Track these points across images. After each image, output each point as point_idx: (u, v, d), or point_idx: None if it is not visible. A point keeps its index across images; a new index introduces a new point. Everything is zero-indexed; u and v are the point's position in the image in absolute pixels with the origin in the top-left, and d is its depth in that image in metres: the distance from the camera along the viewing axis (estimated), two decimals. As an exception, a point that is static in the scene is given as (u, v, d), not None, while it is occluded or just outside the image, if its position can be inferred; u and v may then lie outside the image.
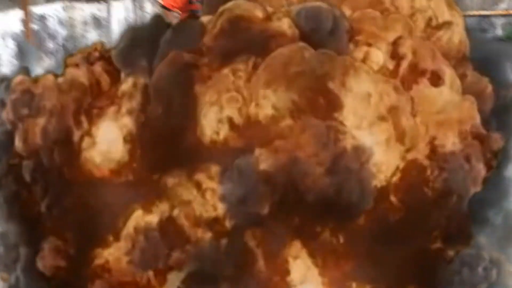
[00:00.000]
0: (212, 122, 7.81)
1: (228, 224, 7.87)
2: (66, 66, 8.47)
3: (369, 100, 7.76)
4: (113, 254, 8.24)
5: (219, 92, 7.77)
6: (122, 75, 8.27)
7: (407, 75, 8.08)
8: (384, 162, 7.88)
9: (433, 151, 8.11)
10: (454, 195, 8.10)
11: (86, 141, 8.23)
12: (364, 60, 8.06)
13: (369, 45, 8.15)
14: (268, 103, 7.71)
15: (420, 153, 8.05)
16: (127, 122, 8.11)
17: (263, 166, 7.59)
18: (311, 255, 8.07)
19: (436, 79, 8.12)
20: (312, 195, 7.60)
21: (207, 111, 7.81)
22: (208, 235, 7.92)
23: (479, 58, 8.67)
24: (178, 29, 8.17)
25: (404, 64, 8.07)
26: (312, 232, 7.99)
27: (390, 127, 7.81)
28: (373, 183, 7.78)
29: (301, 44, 7.87)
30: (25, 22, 18.46)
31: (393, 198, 8.04)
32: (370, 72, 7.90)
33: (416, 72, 8.09)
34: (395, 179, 8.01)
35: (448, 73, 8.18)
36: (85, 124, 8.25)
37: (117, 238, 8.21)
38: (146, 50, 8.13)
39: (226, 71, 7.80)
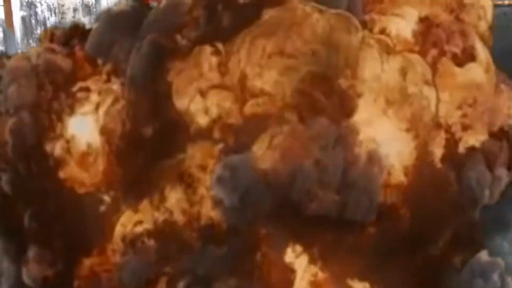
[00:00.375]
0: (202, 120, 7.43)
1: (224, 227, 7.57)
2: (40, 41, 8.16)
3: (385, 91, 7.36)
4: (101, 263, 7.97)
5: (201, 89, 7.36)
6: (99, 61, 7.93)
7: (434, 48, 7.57)
8: (398, 168, 7.51)
9: (453, 147, 7.70)
10: (468, 202, 7.76)
11: (60, 146, 7.90)
12: (384, 32, 7.56)
13: (394, 14, 7.62)
14: (259, 99, 7.28)
15: (435, 155, 7.63)
16: (105, 114, 7.78)
17: (261, 166, 7.19)
18: (312, 259, 7.90)
19: (465, 56, 7.59)
20: (312, 212, 7.24)
21: (196, 109, 7.42)
22: (203, 240, 7.58)
23: (496, 51, 8.32)
24: (160, 10, 7.82)
25: (432, 37, 7.56)
26: (312, 238, 7.74)
27: (409, 134, 7.41)
28: (381, 197, 7.39)
29: (309, 5, 7.18)
30: (6, 8, 18.14)
31: (401, 207, 7.71)
32: (390, 50, 7.40)
33: (443, 46, 7.57)
34: (405, 183, 7.64)
35: (481, 52, 7.63)
36: (58, 125, 7.92)
37: (105, 247, 7.96)
38: (123, 35, 7.78)
39: (206, 50, 7.31)
